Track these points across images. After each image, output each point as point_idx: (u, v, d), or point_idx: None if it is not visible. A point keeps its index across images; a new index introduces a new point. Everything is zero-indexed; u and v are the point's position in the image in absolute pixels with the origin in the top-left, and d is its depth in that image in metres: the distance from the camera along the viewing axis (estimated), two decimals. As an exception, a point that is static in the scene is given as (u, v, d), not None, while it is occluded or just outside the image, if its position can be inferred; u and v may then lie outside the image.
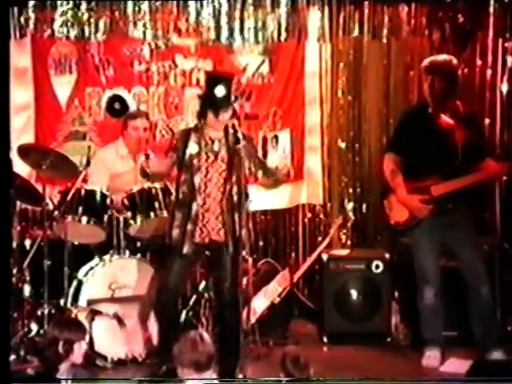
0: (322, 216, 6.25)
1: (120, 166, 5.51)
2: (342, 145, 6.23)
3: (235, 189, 4.52)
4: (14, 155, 5.24)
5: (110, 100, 6.01)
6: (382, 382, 3.90)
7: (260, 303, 5.45)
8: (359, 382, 3.84)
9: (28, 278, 5.24)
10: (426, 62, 5.06)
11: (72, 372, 3.62)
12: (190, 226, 4.58)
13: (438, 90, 4.89)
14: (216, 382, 3.61)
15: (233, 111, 4.55)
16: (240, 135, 4.47)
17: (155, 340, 4.92)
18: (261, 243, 6.15)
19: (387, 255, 5.55)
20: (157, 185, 5.17)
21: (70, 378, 3.58)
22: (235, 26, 6.11)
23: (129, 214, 5.10)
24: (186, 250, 4.59)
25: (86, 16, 5.99)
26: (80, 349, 3.61)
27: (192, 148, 4.59)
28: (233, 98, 4.55)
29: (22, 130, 5.92)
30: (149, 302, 4.94)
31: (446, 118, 4.90)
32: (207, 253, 4.81)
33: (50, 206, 5.17)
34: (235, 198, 4.53)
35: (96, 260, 5.12)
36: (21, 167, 5.41)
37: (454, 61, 5.02)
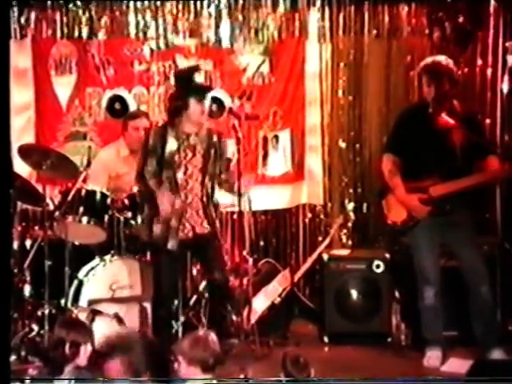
0: (322, 216, 6.24)
1: (121, 167, 5.51)
2: (343, 145, 6.23)
3: (211, 183, 4.59)
4: (15, 155, 5.25)
5: (110, 100, 6.02)
6: (383, 382, 3.89)
7: (260, 303, 5.45)
8: (360, 383, 3.83)
9: (28, 279, 5.24)
10: (421, 64, 5.07)
11: (75, 374, 3.59)
12: (174, 223, 4.62)
13: (434, 91, 4.89)
14: (215, 382, 3.59)
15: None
16: (208, 126, 4.56)
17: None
18: (261, 243, 6.15)
19: (388, 255, 5.54)
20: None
21: (71, 378, 3.56)
22: (235, 26, 6.11)
23: (129, 214, 5.10)
24: (170, 245, 4.64)
25: (86, 16, 5.99)
26: (86, 351, 3.57)
27: (171, 144, 4.63)
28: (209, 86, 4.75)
29: (22, 131, 5.93)
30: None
31: (445, 117, 4.89)
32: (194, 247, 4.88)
33: (51, 207, 5.17)
34: (210, 191, 4.61)
35: (96, 260, 5.12)
36: (21, 167, 5.40)
37: (447, 61, 5.00)
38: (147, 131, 4.94)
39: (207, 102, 4.70)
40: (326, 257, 5.62)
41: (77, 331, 3.62)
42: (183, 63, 6.08)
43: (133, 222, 5.09)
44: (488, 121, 5.99)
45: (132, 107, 5.99)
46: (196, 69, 4.90)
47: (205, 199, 4.63)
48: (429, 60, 5.04)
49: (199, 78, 4.69)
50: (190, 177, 4.61)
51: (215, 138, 4.70)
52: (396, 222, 5.08)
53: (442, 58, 5.02)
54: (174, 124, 4.66)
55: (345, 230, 6.19)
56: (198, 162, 4.63)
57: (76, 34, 6.00)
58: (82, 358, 3.58)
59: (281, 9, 6.11)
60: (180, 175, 4.60)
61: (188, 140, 4.63)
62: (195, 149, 4.63)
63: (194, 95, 4.59)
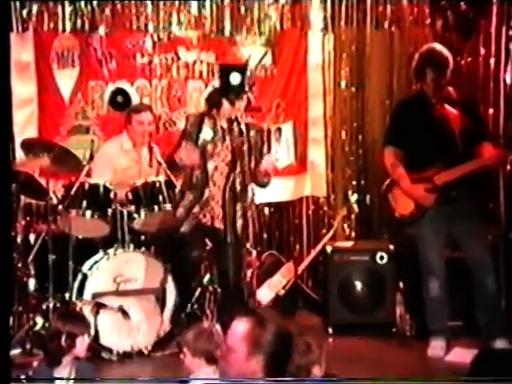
0: (325, 208, 6.24)
1: (124, 160, 5.51)
2: (346, 137, 6.21)
3: (238, 180, 4.56)
4: (18, 150, 5.25)
5: (112, 93, 6.01)
6: (385, 382, 3.87)
7: (264, 295, 5.47)
8: (361, 382, 3.81)
9: (33, 273, 5.26)
10: (417, 55, 5.05)
11: (75, 365, 3.62)
12: (196, 209, 4.67)
13: (434, 81, 4.88)
14: (216, 382, 3.58)
15: (247, 100, 4.59)
16: (243, 127, 4.49)
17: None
18: (265, 236, 6.15)
19: (391, 246, 5.54)
20: (161, 178, 5.18)
21: (71, 377, 3.58)
22: (237, 17, 6.09)
23: (133, 207, 5.11)
24: (184, 228, 4.68)
25: (88, 9, 5.98)
26: (83, 342, 3.60)
27: (206, 133, 4.64)
28: (247, 86, 4.61)
29: (25, 125, 5.90)
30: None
31: (447, 107, 4.88)
32: (209, 244, 4.86)
33: (54, 201, 5.18)
34: (238, 188, 4.57)
35: (100, 254, 5.14)
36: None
37: (443, 48, 4.98)
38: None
39: (242, 101, 4.60)
40: (329, 249, 5.62)
41: (73, 323, 3.64)
42: (185, 55, 6.08)
43: (136, 215, 5.10)
44: (491, 110, 5.97)
45: (134, 100, 5.98)
46: (241, 67, 4.76)
47: (227, 194, 4.63)
48: (424, 49, 5.03)
49: (237, 76, 4.56)
50: (215, 169, 4.64)
51: (252, 133, 4.62)
52: (404, 214, 5.07)
53: (438, 46, 5.01)
54: (212, 114, 4.66)
55: (348, 222, 6.19)
56: (225, 156, 4.64)
57: (78, 27, 5.99)
58: (80, 350, 3.60)
59: (283, -1, 6.10)
60: (210, 165, 4.63)
61: (223, 133, 4.64)
62: (224, 143, 4.64)
63: (229, 92, 4.58)
